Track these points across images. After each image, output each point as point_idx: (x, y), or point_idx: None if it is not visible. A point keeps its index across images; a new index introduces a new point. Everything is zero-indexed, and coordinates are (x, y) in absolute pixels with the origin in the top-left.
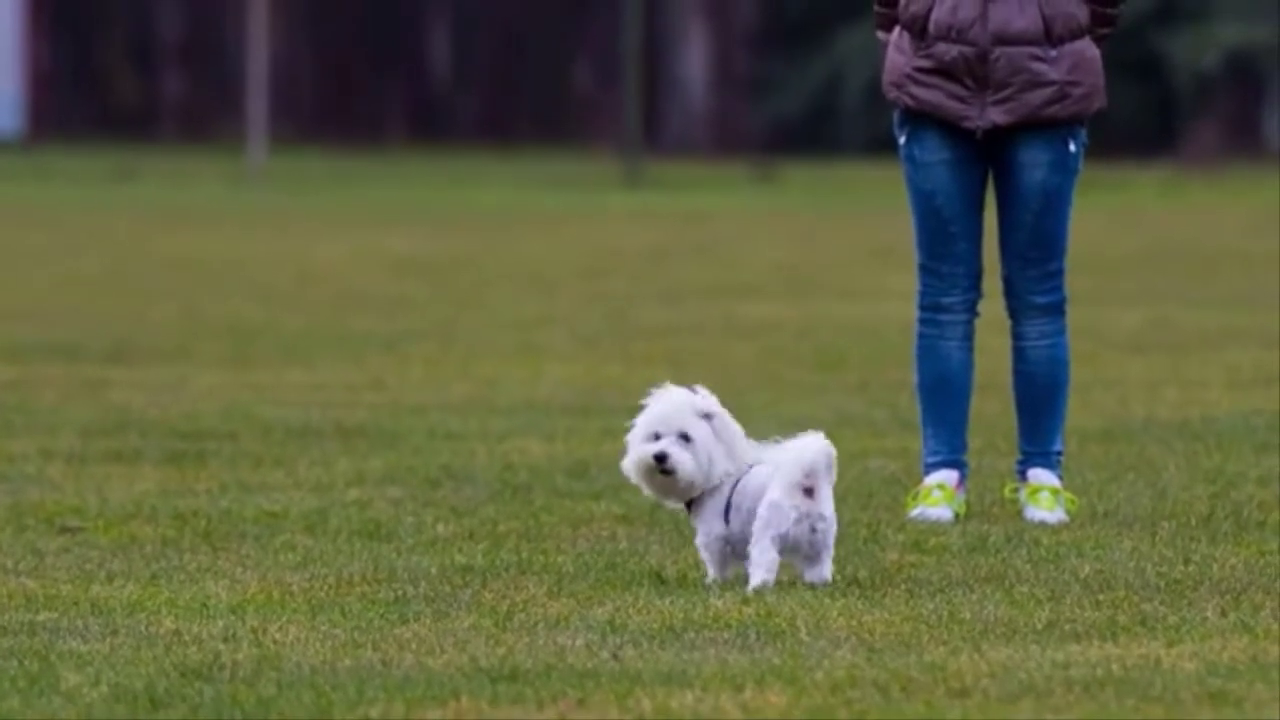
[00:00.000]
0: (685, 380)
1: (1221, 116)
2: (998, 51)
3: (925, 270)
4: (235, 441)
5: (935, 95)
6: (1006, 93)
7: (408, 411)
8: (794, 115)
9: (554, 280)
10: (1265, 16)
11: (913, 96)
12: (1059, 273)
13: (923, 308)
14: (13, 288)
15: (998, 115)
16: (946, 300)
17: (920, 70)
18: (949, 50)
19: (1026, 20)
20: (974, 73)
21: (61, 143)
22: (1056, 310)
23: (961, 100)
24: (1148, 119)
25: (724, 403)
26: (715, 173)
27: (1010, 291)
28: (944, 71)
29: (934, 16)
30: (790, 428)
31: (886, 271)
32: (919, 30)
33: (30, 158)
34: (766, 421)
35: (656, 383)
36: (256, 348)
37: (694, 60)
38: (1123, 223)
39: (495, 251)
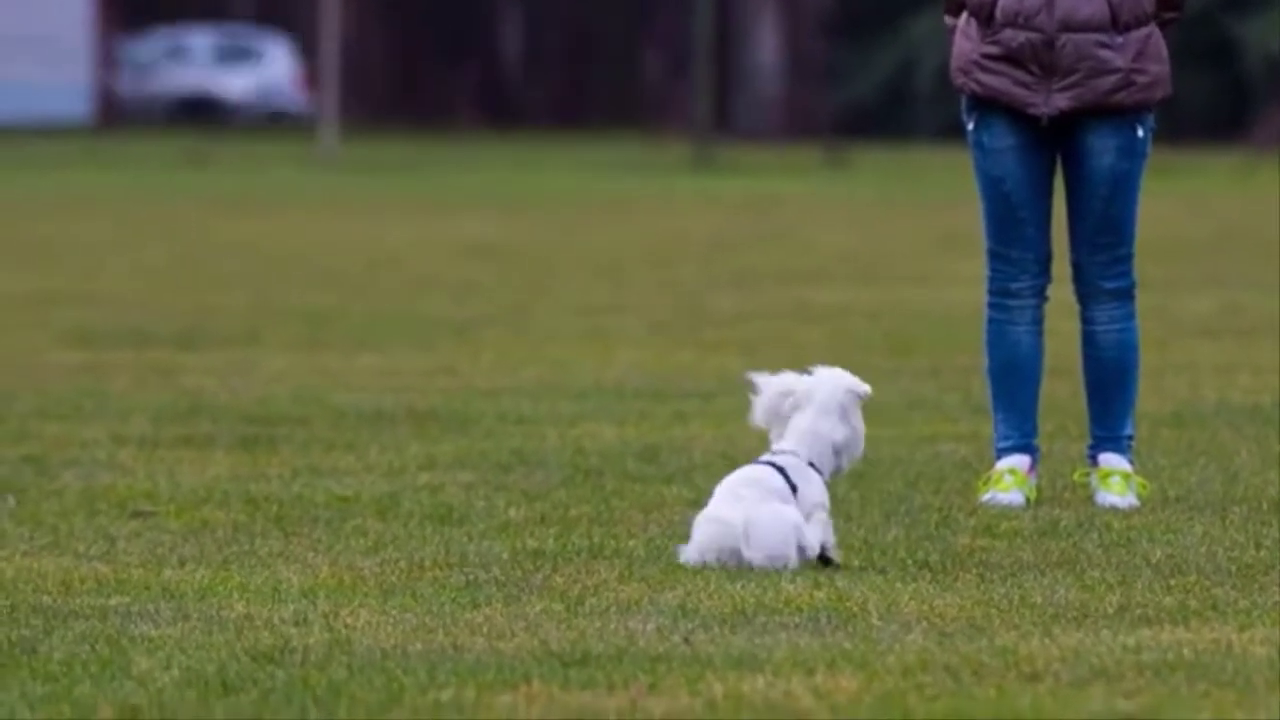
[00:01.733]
0: (758, 365)
1: None
2: (1064, 38)
3: (994, 256)
4: (306, 426)
5: (1002, 82)
6: (1073, 79)
7: (479, 396)
8: (865, 101)
9: (624, 265)
10: None
11: (979, 83)
12: (1128, 258)
13: (992, 293)
14: (84, 274)
15: (1063, 101)
16: (1015, 285)
17: (987, 57)
18: (1015, 36)
19: (1093, 7)
20: (1040, 59)
21: (132, 129)
22: (1126, 295)
23: (1027, 87)
24: (1219, 104)
25: None
26: (786, 158)
27: (1079, 277)
28: (1010, 58)
29: (1001, 3)
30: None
31: (957, 257)
32: (986, 17)
33: (101, 144)
34: None
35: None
36: (327, 333)
37: (765, 46)
38: (1194, 208)
39: (565, 237)
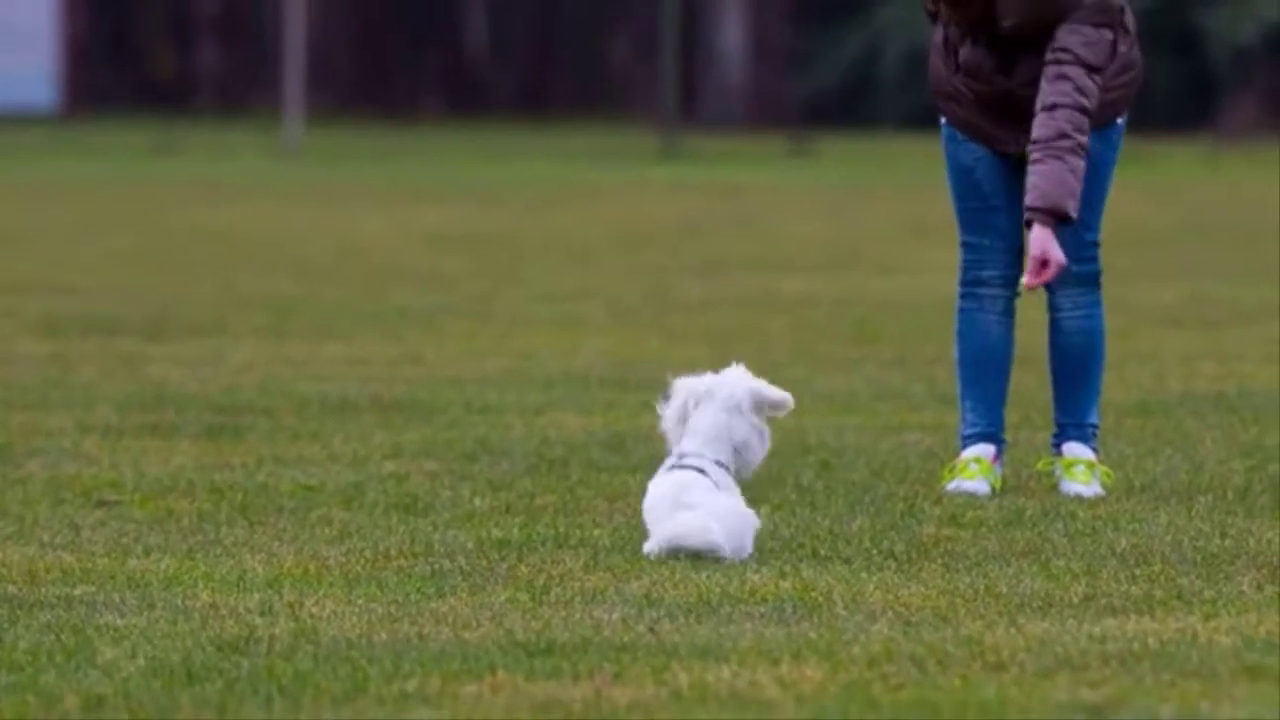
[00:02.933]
0: (724, 354)
1: (1260, 91)
2: (1020, 93)
3: (966, 246)
4: (272, 416)
5: (972, 117)
6: (1030, 124)
7: (444, 385)
8: (831, 88)
9: (591, 253)
10: None
11: (953, 113)
12: (1094, 245)
13: (964, 283)
14: (50, 263)
15: (1028, 143)
16: (986, 274)
17: (958, 91)
18: (975, 86)
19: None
20: (1002, 108)
21: (98, 117)
22: (1091, 281)
23: (996, 126)
24: (1186, 93)
25: (761, 376)
26: (752, 146)
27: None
28: (976, 102)
29: (961, 55)
30: (827, 402)
31: (923, 246)
32: (952, 56)
33: (67, 132)
34: (802, 395)
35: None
36: (294, 322)
37: (731, 33)
38: (1160, 197)
39: (532, 225)
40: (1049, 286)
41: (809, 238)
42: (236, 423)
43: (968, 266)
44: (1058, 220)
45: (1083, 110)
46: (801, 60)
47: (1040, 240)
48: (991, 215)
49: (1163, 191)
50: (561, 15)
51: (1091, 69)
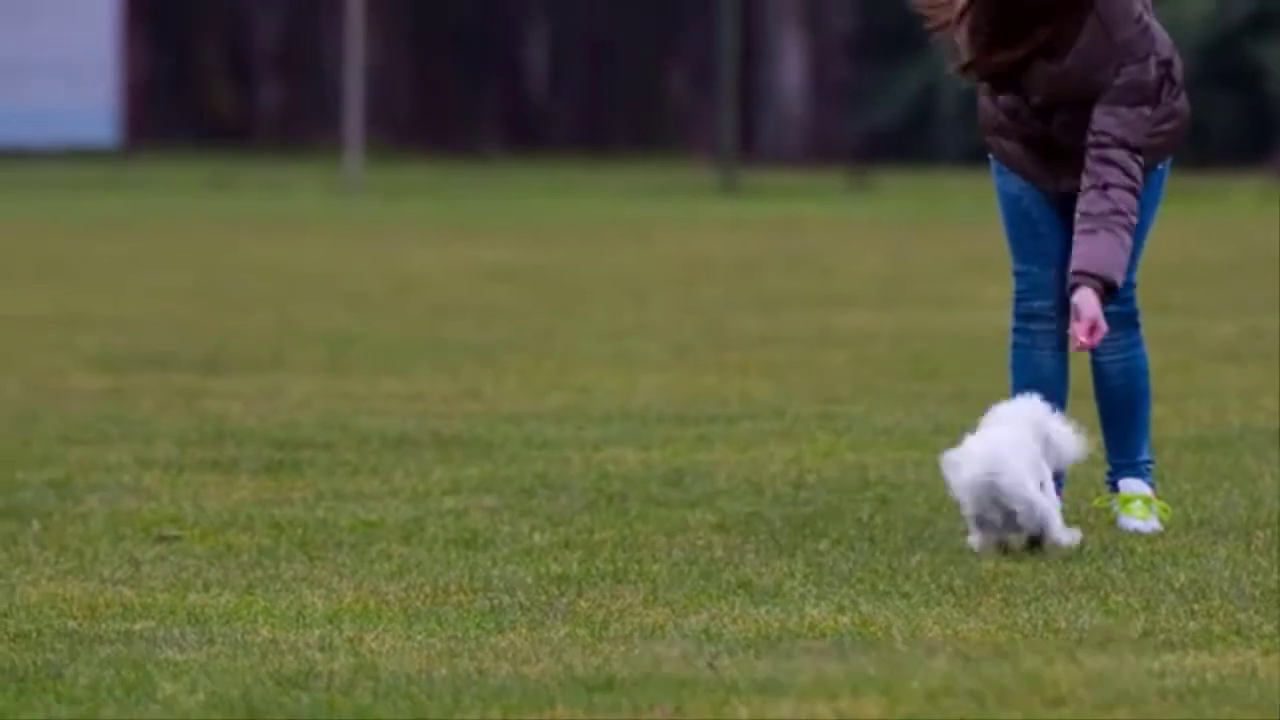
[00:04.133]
0: (783, 389)
1: None
2: (1060, 137)
3: (1019, 276)
4: (331, 451)
5: (1017, 153)
6: (1071, 165)
7: (503, 420)
8: (890, 124)
9: (649, 289)
10: None
11: (999, 149)
12: (1131, 285)
13: (1017, 315)
14: (109, 297)
15: (1070, 185)
16: (1039, 305)
17: (1003, 127)
18: (1017, 128)
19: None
20: (1043, 149)
21: (158, 152)
22: (1130, 322)
23: (1037, 165)
24: (1244, 129)
25: (820, 412)
26: (811, 181)
27: None
28: (1020, 139)
29: (1000, 99)
30: (885, 437)
31: (981, 280)
32: (994, 97)
33: (127, 168)
34: (861, 430)
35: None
36: (352, 357)
37: (790, 68)
38: (1218, 233)
39: (590, 261)
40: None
41: (867, 273)
42: (295, 458)
43: (1020, 297)
44: (1105, 289)
45: (1133, 191)
46: (860, 96)
47: (1090, 304)
48: (1040, 242)
49: (1220, 227)
50: (619, 51)
51: (1133, 150)
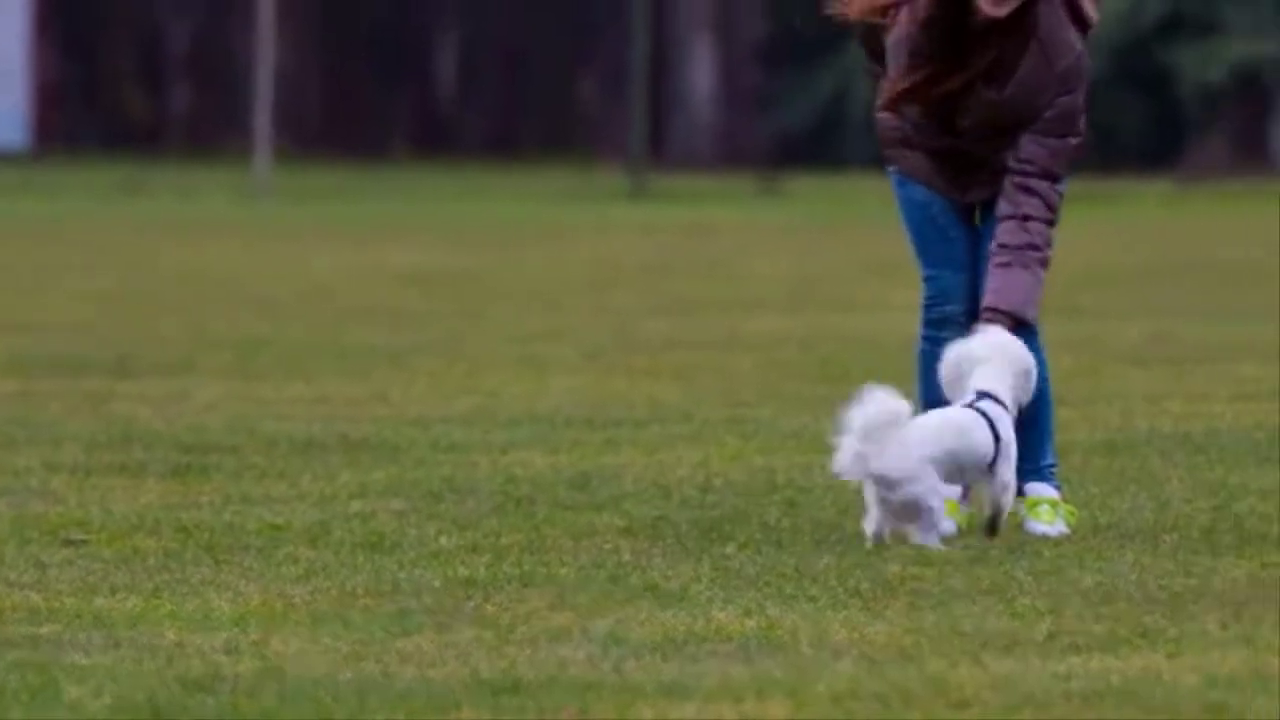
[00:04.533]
0: (691, 393)
1: (1227, 130)
2: (970, 148)
3: (929, 281)
4: (239, 454)
5: (924, 166)
6: (983, 177)
7: (411, 424)
8: (799, 128)
9: (558, 293)
10: (1272, 31)
11: (903, 161)
12: None
13: (927, 322)
14: (18, 302)
15: (979, 195)
16: (950, 309)
17: (908, 139)
18: (924, 139)
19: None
20: (951, 160)
21: (68, 157)
22: (1028, 330)
23: (942, 177)
24: (1153, 132)
25: (728, 415)
26: (721, 186)
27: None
28: (926, 152)
29: (908, 112)
30: (793, 440)
31: (890, 284)
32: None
33: (37, 172)
34: (769, 434)
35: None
36: (261, 361)
37: (700, 74)
38: (1127, 236)
39: (500, 265)
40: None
41: (776, 277)
42: (203, 461)
43: (931, 302)
44: (1015, 325)
45: (1051, 224)
46: (770, 101)
47: None
48: (950, 246)
49: (1130, 230)
50: (530, 56)
51: (1055, 180)
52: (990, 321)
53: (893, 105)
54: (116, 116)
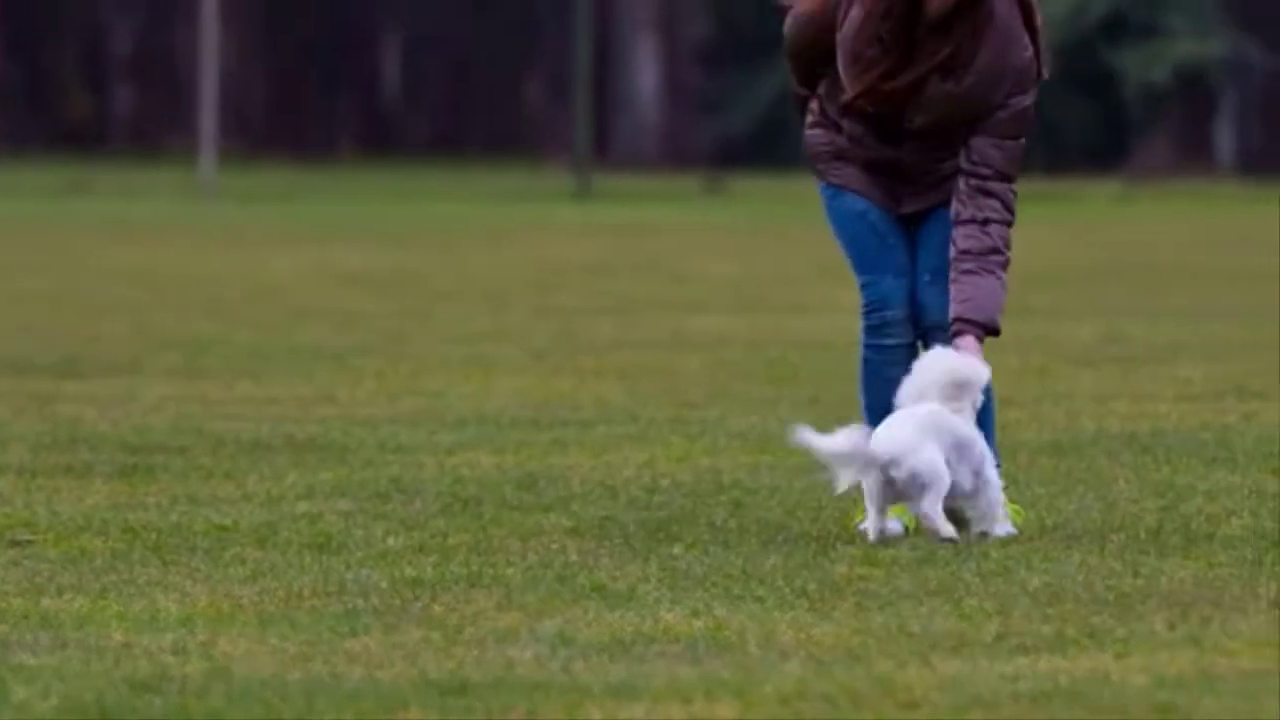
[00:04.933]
0: (637, 394)
1: (1172, 130)
2: (907, 160)
3: (868, 287)
4: (185, 455)
5: (859, 178)
6: (916, 188)
7: (358, 425)
8: (743, 129)
9: (504, 294)
10: (1215, 31)
11: (838, 175)
12: None
13: (869, 329)
14: None
15: (913, 205)
16: (891, 313)
17: (843, 152)
18: (861, 151)
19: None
20: (888, 171)
21: (12, 158)
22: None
23: (877, 188)
24: (1098, 134)
25: (674, 416)
26: (665, 186)
27: (922, 315)
28: (862, 164)
29: (845, 125)
30: (739, 441)
31: (835, 285)
32: (832, 124)
33: None
34: (715, 434)
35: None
36: (207, 361)
37: (644, 75)
38: (1073, 237)
39: (445, 265)
40: (926, 338)
41: (722, 277)
42: (150, 462)
43: (871, 308)
44: (986, 334)
45: (1010, 225)
46: (714, 102)
47: (971, 352)
48: (890, 253)
49: (1076, 231)
50: (475, 57)
51: (1012, 182)
52: (961, 332)
53: (851, 107)
54: (61, 117)
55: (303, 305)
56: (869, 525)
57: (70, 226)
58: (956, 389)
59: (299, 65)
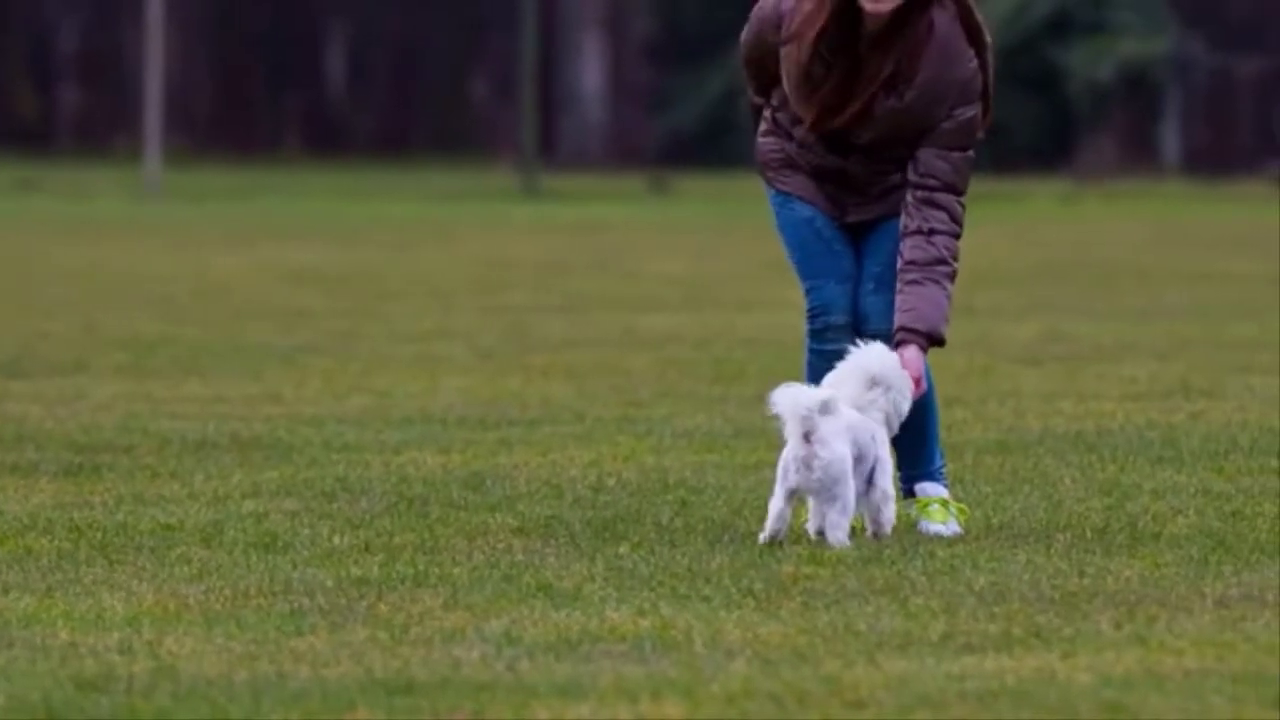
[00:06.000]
0: (584, 392)
1: (1118, 130)
2: (854, 170)
3: (813, 291)
4: (132, 454)
5: (807, 186)
6: (862, 199)
7: (304, 423)
8: (690, 128)
9: (451, 292)
10: (1160, 30)
11: (786, 182)
12: None
13: (813, 334)
14: None
15: (858, 215)
16: (834, 318)
17: (792, 160)
18: (811, 158)
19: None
20: (836, 180)
21: None
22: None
23: (824, 196)
24: (1044, 133)
25: (621, 415)
26: (612, 185)
27: (864, 322)
28: (811, 171)
29: (796, 133)
30: (686, 440)
31: (783, 283)
32: (784, 132)
33: None
34: (662, 433)
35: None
36: (154, 360)
37: (590, 72)
38: (1019, 236)
39: (393, 264)
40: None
41: (669, 276)
42: (96, 461)
43: (816, 313)
44: (930, 344)
45: (957, 236)
46: (660, 100)
47: (917, 363)
48: (836, 259)
49: (1022, 230)
50: (421, 56)
51: (959, 194)
52: (905, 342)
53: (812, 131)
54: (6, 115)
55: (249, 304)
56: (809, 523)
57: (16, 225)
58: (873, 383)
59: (244, 64)
